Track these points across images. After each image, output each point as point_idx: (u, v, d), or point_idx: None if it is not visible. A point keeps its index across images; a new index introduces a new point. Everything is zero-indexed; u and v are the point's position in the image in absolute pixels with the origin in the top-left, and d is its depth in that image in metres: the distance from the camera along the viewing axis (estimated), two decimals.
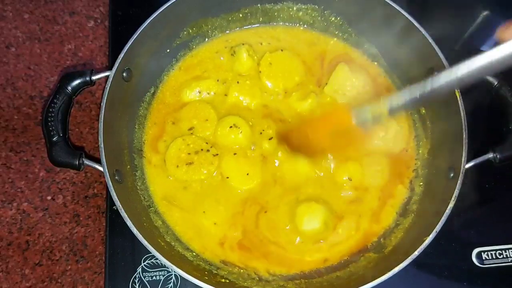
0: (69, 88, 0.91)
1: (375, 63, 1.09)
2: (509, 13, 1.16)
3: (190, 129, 1.00)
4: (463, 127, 0.88)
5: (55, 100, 0.90)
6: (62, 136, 0.89)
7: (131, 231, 0.81)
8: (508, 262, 0.96)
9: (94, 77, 0.92)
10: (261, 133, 0.99)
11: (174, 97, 1.04)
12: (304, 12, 1.09)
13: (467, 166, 0.86)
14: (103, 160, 0.85)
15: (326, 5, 1.07)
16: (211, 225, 0.94)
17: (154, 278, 0.93)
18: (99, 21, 1.19)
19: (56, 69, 1.14)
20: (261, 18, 1.10)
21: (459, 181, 0.84)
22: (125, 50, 0.92)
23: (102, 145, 0.86)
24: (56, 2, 1.21)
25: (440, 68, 0.93)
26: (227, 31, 1.10)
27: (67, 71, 1.05)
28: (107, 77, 0.91)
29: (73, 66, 1.14)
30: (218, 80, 1.04)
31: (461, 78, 0.66)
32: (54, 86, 1.05)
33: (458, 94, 0.90)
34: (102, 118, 0.88)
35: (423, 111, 1.02)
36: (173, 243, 0.92)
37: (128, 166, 0.96)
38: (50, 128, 0.88)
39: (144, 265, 0.94)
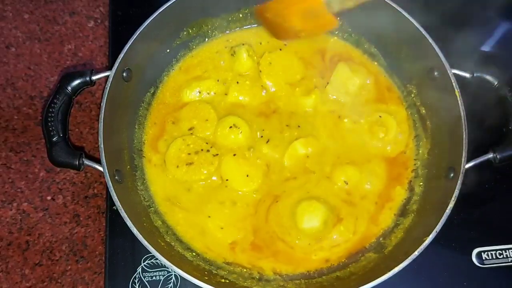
0: (69, 88, 0.91)
1: (375, 63, 1.09)
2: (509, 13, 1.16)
3: (190, 129, 1.00)
4: (463, 127, 0.88)
5: (55, 100, 0.90)
6: (62, 136, 0.89)
7: (131, 231, 0.81)
8: (508, 262, 0.96)
9: (94, 77, 0.92)
10: (261, 136, 0.99)
11: (174, 97, 1.04)
12: None
13: (467, 166, 0.86)
14: (103, 160, 0.85)
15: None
16: (218, 230, 0.94)
17: (154, 278, 0.93)
18: (99, 21, 1.19)
19: (56, 69, 1.14)
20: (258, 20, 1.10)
21: (459, 181, 0.84)
22: (125, 50, 0.93)
23: (102, 145, 0.86)
24: (56, 2, 1.21)
25: (440, 68, 0.93)
26: (227, 31, 1.10)
27: (67, 71, 1.05)
28: (107, 77, 0.91)
29: (73, 66, 1.14)
30: (218, 80, 1.04)
31: None
32: (54, 86, 1.05)
33: (458, 94, 0.90)
34: (102, 118, 0.88)
35: (423, 111, 1.02)
36: (173, 243, 0.92)
37: (128, 166, 0.96)
38: (50, 128, 0.88)
39: (144, 265, 0.94)
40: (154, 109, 1.04)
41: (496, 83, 0.92)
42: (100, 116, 0.88)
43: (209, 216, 0.94)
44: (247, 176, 0.96)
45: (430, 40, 0.93)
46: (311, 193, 0.96)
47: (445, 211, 0.82)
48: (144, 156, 1.00)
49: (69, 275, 0.96)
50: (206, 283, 0.79)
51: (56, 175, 1.04)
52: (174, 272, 0.88)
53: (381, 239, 0.94)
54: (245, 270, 0.92)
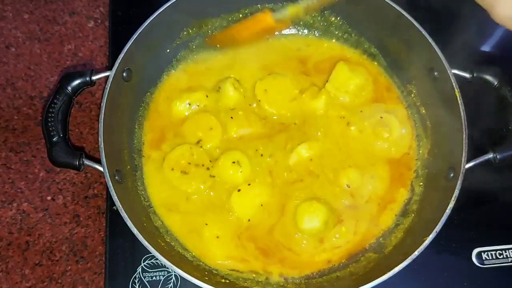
0: (69, 88, 0.91)
1: (375, 63, 1.09)
2: None
3: (198, 142, 0.99)
4: (463, 127, 0.88)
5: (55, 100, 0.90)
6: (62, 137, 0.88)
7: (131, 231, 0.81)
8: (508, 262, 0.96)
9: (94, 77, 0.92)
10: (261, 155, 0.98)
11: (168, 109, 1.03)
12: None
13: (467, 166, 0.86)
14: (103, 160, 0.85)
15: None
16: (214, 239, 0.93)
17: (154, 278, 0.93)
18: (99, 21, 1.19)
19: (56, 69, 1.14)
20: None
21: (459, 181, 0.84)
22: (125, 50, 0.92)
23: (102, 145, 0.86)
24: (56, 2, 1.21)
25: (440, 68, 0.93)
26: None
27: (67, 71, 1.05)
28: (107, 77, 0.91)
29: (73, 66, 1.14)
30: (207, 96, 1.03)
31: None
32: (54, 86, 1.05)
33: (458, 94, 0.90)
34: (102, 118, 0.88)
35: (423, 111, 1.02)
36: (173, 243, 0.92)
37: (128, 166, 0.96)
38: (50, 128, 0.88)
39: (144, 265, 0.94)
40: (150, 117, 1.03)
41: (496, 83, 0.92)
42: (100, 116, 0.88)
43: (206, 224, 0.94)
44: (261, 205, 0.95)
45: (430, 40, 0.93)
46: (314, 195, 0.95)
47: (445, 211, 0.82)
48: (143, 156, 1.00)
49: (69, 275, 0.96)
50: (206, 283, 0.79)
51: (56, 175, 1.04)
52: (174, 272, 0.88)
53: (381, 239, 0.94)
54: (245, 274, 0.92)
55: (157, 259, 0.83)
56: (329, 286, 0.89)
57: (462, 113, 0.89)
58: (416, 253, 0.80)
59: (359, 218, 0.95)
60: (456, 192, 0.83)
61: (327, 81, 1.04)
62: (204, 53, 1.08)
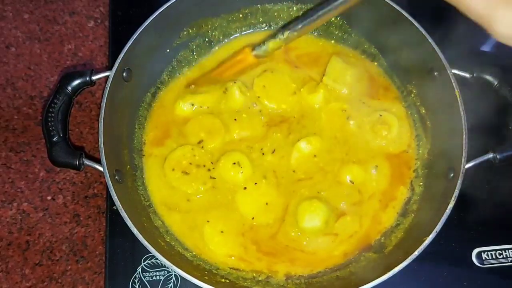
0: (69, 88, 0.91)
1: (375, 63, 1.09)
2: None
3: (200, 142, 0.99)
4: (463, 127, 0.88)
5: (55, 100, 0.90)
6: (62, 136, 0.88)
7: (131, 231, 0.81)
8: (508, 262, 0.96)
9: (94, 77, 0.92)
10: (263, 153, 0.99)
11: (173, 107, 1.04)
12: (304, 12, 1.09)
13: (467, 166, 0.86)
14: (103, 160, 0.85)
15: None
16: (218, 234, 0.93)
17: (154, 278, 0.93)
18: (99, 21, 1.19)
19: (56, 69, 1.14)
20: (261, 18, 1.10)
21: (459, 181, 0.84)
22: (125, 50, 0.92)
23: (102, 145, 0.86)
24: (56, 2, 1.21)
25: (440, 68, 0.93)
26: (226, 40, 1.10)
27: (67, 71, 1.05)
28: (107, 77, 0.91)
29: (73, 66, 1.14)
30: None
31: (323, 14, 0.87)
32: (54, 86, 1.05)
33: (458, 94, 0.90)
34: (102, 118, 0.88)
35: (423, 111, 1.02)
36: (173, 243, 0.92)
37: (128, 166, 0.96)
38: (50, 128, 0.88)
39: (144, 265, 0.94)
40: (154, 113, 1.04)
41: (496, 83, 0.92)
42: (100, 116, 0.88)
43: (208, 221, 0.94)
44: (267, 204, 0.95)
45: (430, 40, 0.93)
46: (317, 192, 0.96)
47: (445, 211, 0.82)
48: (144, 155, 1.00)
49: (69, 275, 0.96)
50: (206, 283, 0.79)
51: (56, 175, 1.04)
52: (174, 272, 0.88)
53: (382, 239, 0.94)
54: (245, 273, 0.92)
55: (157, 259, 0.83)
56: (329, 286, 0.89)
57: (462, 113, 0.89)
58: (416, 253, 0.80)
59: (363, 214, 0.95)
60: (456, 192, 0.83)
61: (323, 74, 1.04)
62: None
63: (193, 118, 1.01)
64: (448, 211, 0.82)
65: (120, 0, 1.19)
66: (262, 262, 0.92)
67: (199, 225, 0.94)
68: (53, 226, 1.00)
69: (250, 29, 1.11)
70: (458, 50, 0.96)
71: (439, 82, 0.94)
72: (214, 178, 0.96)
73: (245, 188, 0.95)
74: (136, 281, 0.93)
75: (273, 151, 0.98)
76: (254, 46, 0.96)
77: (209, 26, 1.08)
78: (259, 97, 1.03)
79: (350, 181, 0.96)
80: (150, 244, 0.80)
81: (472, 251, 0.97)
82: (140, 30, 0.94)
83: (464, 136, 0.87)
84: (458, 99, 0.89)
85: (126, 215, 0.82)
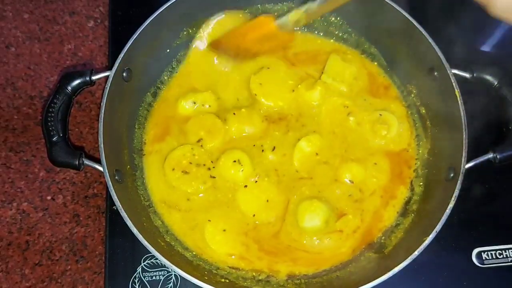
0: (69, 88, 0.91)
1: (375, 63, 1.09)
2: None
3: (199, 141, 0.99)
4: (463, 127, 0.88)
5: (55, 100, 0.90)
6: (62, 136, 0.89)
7: (131, 231, 0.81)
8: (508, 262, 0.96)
9: (94, 77, 0.92)
10: (263, 151, 0.99)
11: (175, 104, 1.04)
12: None
13: (467, 166, 0.86)
14: (103, 160, 0.85)
15: None
16: (220, 232, 0.93)
17: (154, 278, 0.93)
18: (99, 21, 1.19)
19: (56, 69, 1.14)
20: None
21: (459, 181, 0.84)
22: (125, 50, 0.92)
23: (102, 145, 0.86)
24: (56, 2, 1.21)
25: (440, 68, 0.93)
26: None
27: (67, 71, 1.05)
28: (107, 77, 0.91)
29: (73, 66, 1.14)
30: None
31: None
32: (54, 86, 1.05)
33: (458, 94, 0.90)
34: (102, 118, 0.88)
35: (423, 111, 1.02)
36: (173, 243, 0.92)
37: (128, 166, 0.96)
38: (50, 128, 0.88)
39: (144, 265, 0.94)
40: (156, 110, 1.04)
41: (496, 83, 0.92)
42: (100, 116, 0.88)
43: (209, 220, 0.94)
44: (267, 201, 0.95)
45: (430, 40, 0.93)
46: (318, 191, 0.96)
47: (445, 211, 0.82)
48: (144, 154, 1.00)
49: (69, 275, 0.96)
50: (206, 283, 0.79)
51: (56, 175, 1.04)
52: (174, 272, 0.88)
53: (382, 238, 0.94)
54: (245, 272, 0.92)
55: (157, 259, 0.83)
56: (329, 286, 0.89)
57: (462, 113, 0.89)
58: (416, 253, 0.80)
59: (364, 209, 0.95)
60: (456, 192, 0.83)
61: (322, 72, 1.05)
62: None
63: (194, 117, 1.01)
64: (448, 211, 0.82)
65: (120, 0, 1.19)
66: (263, 261, 0.92)
67: (199, 224, 0.94)
68: (53, 226, 1.00)
69: None
70: (458, 50, 0.96)
71: (439, 82, 0.94)
72: (214, 177, 0.96)
73: (245, 186, 0.96)
74: (136, 281, 0.93)
75: (273, 149, 0.99)
76: (278, 16, 0.94)
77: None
78: (255, 95, 1.03)
79: (350, 181, 0.96)
80: (150, 244, 0.80)
81: (472, 251, 0.97)
82: (140, 30, 0.94)
83: (464, 136, 0.87)
84: (458, 99, 0.89)
85: (126, 215, 0.82)
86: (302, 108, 1.03)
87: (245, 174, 0.96)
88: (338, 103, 1.03)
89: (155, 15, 0.95)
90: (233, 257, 0.92)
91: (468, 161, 0.86)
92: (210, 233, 0.93)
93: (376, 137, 1.00)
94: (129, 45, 0.93)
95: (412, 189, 0.98)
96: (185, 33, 1.06)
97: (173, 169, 0.96)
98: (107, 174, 0.85)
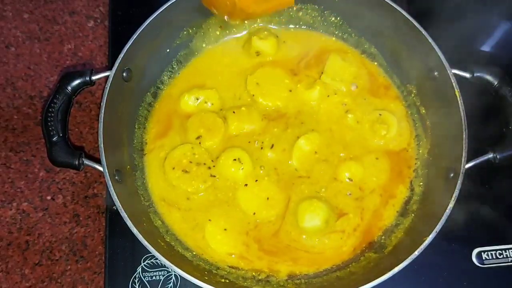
0: (69, 88, 0.91)
1: (375, 63, 1.09)
2: (509, 13, 1.16)
3: (198, 138, 0.99)
4: (463, 127, 0.88)
5: (55, 100, 0.90)
6: (62, 136, 0.89)
7: (131, 231, 0.81)
8: (508, 262, 0.96)
9: (94, 77, 0.92)
10: (262, 148, 0.99)
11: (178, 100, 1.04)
12: (304, 12, 1.09)
13: (467, 166, 0.86)
14: (103, 160, 0.85)
15: (326, 5, 1.07)
16: (221, 231, 0.93)
17: (154, 278, 0.93)
18: (99, 21, 1.19)
19: (56, 69, 1.14)
20: (260, 18, 1.10)
21: (459, 181, 0.84)
22: (125, 50, 0.93)
23: (102, 145, 0.86)
24: (56, 2, 1.21)
25: (440, 68, 0.93)
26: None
27: (67, 71, 1.05)
28: (107, 77, 0.91)
29: (73, 66, 1.14)
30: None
31: None
32: (54, 86, 1.05)
33: (458, 94, 0.90)
34: (102, 118, 0.88)
35: (423, 111, 1.02)
36: (173, 243, 0.92)
37: (128, 166, 0.96)
38: (50, 128, 0.88)
39: (144, 265, 0.94)
40: (157, 108, 1.04)
41: (496, 83, 0.92)
42: (100, 116, 0.88)
43: (210, 220, 0.94)
44: (268, 199, 0.95)
45: (430, 40, 0.93)
46: (319, 193, 0.96)
47: (445, 211, 0.82)
48: (145, 154, 1.00)
49: (69, 275, 0.96)
50: (206, 283, 0.79)
51: (56, 175, 1.04)
52: (174, 272, 0.88)
53: (382, 237, 0.94)
54: (245, 272, 0.92)
55: (157, 259, 0.83)
56: (329, 286, 0.89)
57: (462, 113, 0.89)
58: (416, 253, 0.80)
59: (364, 207, 0.95)
60: (456, 192, 0.83)
61: (321, 72, 1.05)
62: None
63: (195, 114, 1.01)
64: (448, 211, 0.82)
65: (120, 0, 1.19)
66: (263, 261, 0.92)
67: (200, 224, 0.94)
68: (53, 226, 1.00)
69: (250, 29, 1.11)
70: (458, 50, 0.96)
71: (439, 82, 0.94)
72: (214, 176, 0.96)
73: (246, 185, 0.96)
74: (136, 281, 0.93)
75: (272, 146, 0.99)
76: None
77: (209, 26, 1.08)
78: (253, 95, 1.03)
79: (349, 179, 0.97)
80: (150, 244, 0.80)
81: (472, 251, 0.97)
82: (140, 30, 0.94)
83: (464, 136, 0.87)
84: (458, 99, 0.90)
85: (126, 215, 0.82)
86: (300, 108, 1.03)
87: (245, 172, 0.96)
88: (336, 101, 1.03)
89: (155, 15, 0.95)
90: (233, 256, 0.92)
91: (468, 161, 0.86)
92: (211, 233, 0.93)
93: (375, 136, 1.00)
94: (129, 45, 0.93)
95: (412, 189, 0.98)
96: (185, 33, 1.06)
97: (173, 168, 0.96)
98: (107, 174, 0.85)
